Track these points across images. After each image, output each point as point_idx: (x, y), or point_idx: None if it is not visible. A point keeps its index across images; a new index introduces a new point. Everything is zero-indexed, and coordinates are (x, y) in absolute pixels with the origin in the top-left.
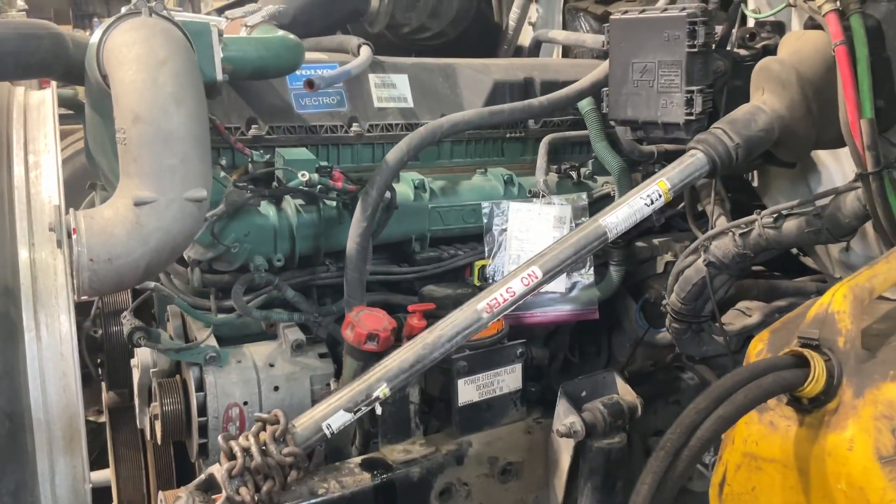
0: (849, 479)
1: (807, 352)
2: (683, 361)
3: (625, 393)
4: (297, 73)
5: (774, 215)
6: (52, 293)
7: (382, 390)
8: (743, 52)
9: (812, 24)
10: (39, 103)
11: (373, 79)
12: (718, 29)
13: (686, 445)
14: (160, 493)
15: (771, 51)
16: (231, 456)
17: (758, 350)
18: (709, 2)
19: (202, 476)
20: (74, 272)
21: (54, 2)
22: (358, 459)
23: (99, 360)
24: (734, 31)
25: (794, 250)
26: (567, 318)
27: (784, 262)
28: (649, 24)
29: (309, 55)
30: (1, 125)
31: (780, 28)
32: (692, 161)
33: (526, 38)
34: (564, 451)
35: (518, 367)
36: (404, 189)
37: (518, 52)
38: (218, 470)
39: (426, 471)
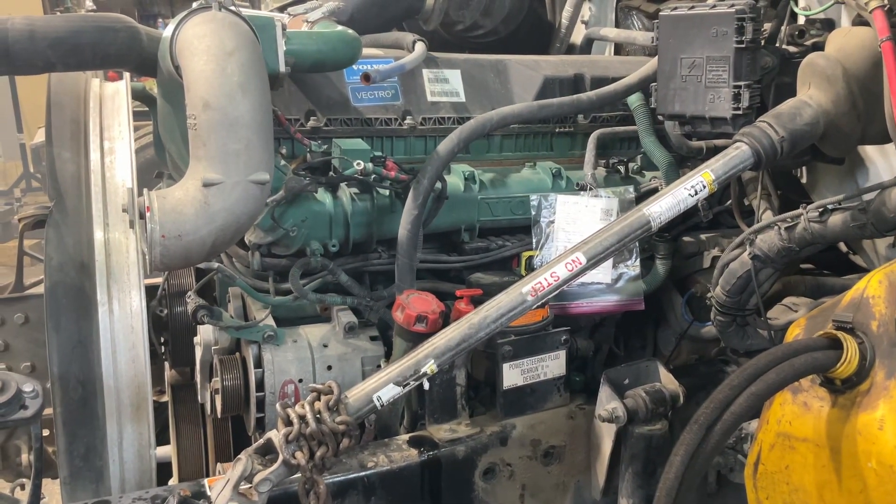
0: (879, 458)
1: (840, 334)
2: (728, 355)
3: (667, 381)
4: (354, 67)
5: (820, 209)
6: (124, 270)
7: (430, 367)
8: (792, 48)
9: (860, 21)
10: (114, 93)
11: (426, 74)
12: (767, 25)
13: (719, 420)
14: (219, 464)
15: (820, 48)
16: (288, 422)
17: (795, 335)
18: None
19: (260, 441)
20: (147, 247)
21: (120, 3)
22: (406, 437)
23: (163, 339)
24: (783, 27)
25: (844, 248)
26: (612, 308)
27: (833, 260)
28: (698, 20)
29: (365, 51)
30: (78, 113)
31: (829, 25)
32: (737, 153)
33: (578, 36)
34: (606, 437)
35: (562, 353)
36: (455, 180)
37: (570, 50)
38: (275, 435)
39: (471, 450)
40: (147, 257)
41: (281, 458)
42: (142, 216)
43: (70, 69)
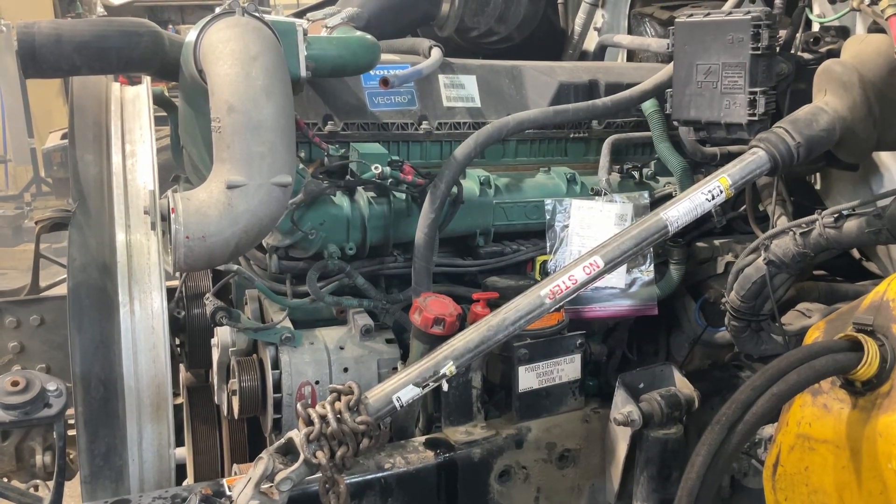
0: None
1: (861, 336)
2: (741, 360)
3: (682, 385)
4: (372, 73)
5: (835, 215)
6: (145, 271)
7: (449, 368)
8: (807, 55)
9: (876, 29)
10: (135, 97)
11: (442, 79)
12: (782, 33)
13: (741, 420)
14: (234, 465)
15: (835, 55)
16: (309, 422)
17: (814, 338)
18: (774, 6)
19: (281, 440)
20: (172, 248)
21: (131, 9)
22: (422, 439)
23: (179, 341)
24: (798, 34)
25: (857, 255)
26: (626, 312)
27: (846, 267)
28: (714, 27)
29: (382, 56)
30: (100, 117)
31: (844, 33)
32: (753, 158)
33: (591, 43)
34: (621, 440)
35: (577, 357)
36: (470, 185)
37: (583, 56)
38: (296, 435)
39: (487, 452)
40: (171, 258)
41: (302, 457)
42: (164, 218)
43: (94, 73)
